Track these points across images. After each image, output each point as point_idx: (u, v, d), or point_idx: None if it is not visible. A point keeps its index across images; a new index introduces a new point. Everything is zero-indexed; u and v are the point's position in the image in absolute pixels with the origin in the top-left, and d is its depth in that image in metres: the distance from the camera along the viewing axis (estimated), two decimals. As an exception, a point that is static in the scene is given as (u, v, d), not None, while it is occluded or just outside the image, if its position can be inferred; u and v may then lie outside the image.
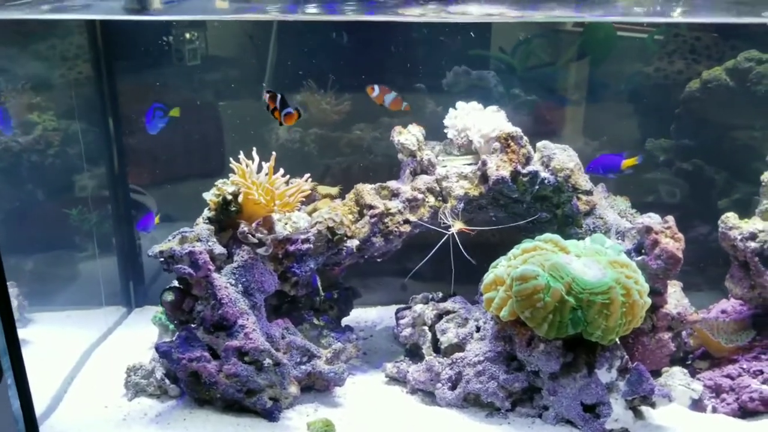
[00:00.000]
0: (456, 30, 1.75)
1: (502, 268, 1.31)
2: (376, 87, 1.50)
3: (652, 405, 1.31)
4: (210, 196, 1.33)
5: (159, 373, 1.36)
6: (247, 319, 1.29)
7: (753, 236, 1.35)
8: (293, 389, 1.31)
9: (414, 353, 1.47)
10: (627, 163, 1.37)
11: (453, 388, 1.36)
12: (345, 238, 1.37)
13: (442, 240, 1.38)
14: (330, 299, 1.51)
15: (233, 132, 1.83)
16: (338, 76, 1.80)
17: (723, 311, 1.52)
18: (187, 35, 1.75)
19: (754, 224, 1.36)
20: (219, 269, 1.30)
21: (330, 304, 1.51)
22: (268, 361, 1.28)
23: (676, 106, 1.84)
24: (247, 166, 1.33)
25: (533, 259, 1.27)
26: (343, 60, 1.78)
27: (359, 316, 1.75)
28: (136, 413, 1.33)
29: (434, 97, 1.80)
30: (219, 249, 1.30)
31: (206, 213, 1.35)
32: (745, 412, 1.34)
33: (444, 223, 1.40)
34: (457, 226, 1.39)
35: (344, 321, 1.57)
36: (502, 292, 1.28)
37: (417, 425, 1.31)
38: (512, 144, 1.34)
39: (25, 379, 1.15)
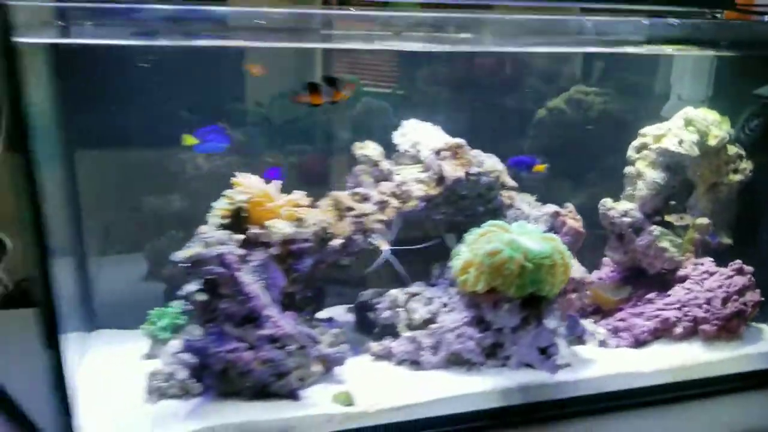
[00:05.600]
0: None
1: (467, 253, 1.63)
2: None
3: (583, 343, 1.71)
4: (223, 205, 1.49)
5: (182, 374, 1.44)
6: (272, 310, 1.45)
7: (626, 213, 1.85)
8: (317, 368, 1.49)
9: (387, 333, 1.71)
10: (537, 167, 1.80)
11: (435, 353, 1.63)
12: (332, 237, 1.60)
13: (380, 260, 1.68)
14: (309, 297, 1.70)
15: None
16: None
17: (603, 276, 2.00)
18: None
19: (624, 205, 1.86)
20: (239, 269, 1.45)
21: (308, 301, 1.70)
22: (294, 345, 1.45)
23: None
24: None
25: (492, 239, 1.62)
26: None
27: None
28: (168, 414, 1.40)
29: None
30: (238, 251, 1.45)
31: (216, 221, 1.49)
32: (638, 344, 1.80)
33: (373, 246, 1.68)
34: (384, 245, 1.68)
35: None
36: (474, 271, 1.60)
37: (413, 385, 1.56)
38: (460, 152, 1.69)
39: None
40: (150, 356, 1.65)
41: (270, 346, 1.43)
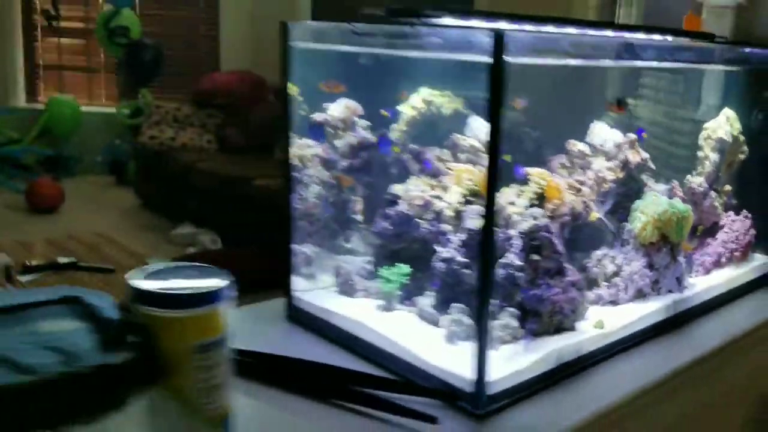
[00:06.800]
0: None
1: (643, 216, 2.35)
2: None
3: (690, 273, 2.57)
4: (533, 188, 2.01)
5: (515, 323, 1.96)
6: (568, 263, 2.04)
7: (701, 185, 2.71)
8: (587, 305, 2.11)
9: (592, 285, 2.37)
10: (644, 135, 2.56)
11: (626, 292, 2.34)
12: (577, 214, 2.21)
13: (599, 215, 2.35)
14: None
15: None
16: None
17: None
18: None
19: (699, 179, 2.72)
20: (546, 237, 2.01)
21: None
22: (578, 288, 2.06)
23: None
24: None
25: (658, 203, 2.35)
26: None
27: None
28: (509, 354, 1.90)
29: None
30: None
31: (526, 202, 2.01)
32: (705, 273, 2.70)
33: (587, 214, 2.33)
34: (597, 215, 2.35)
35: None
36: (650, 227, 2.33)
37: (619, 313, 2.25)
38: (636, 143, 2.38)
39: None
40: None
41: (573, 288, 2.03)
